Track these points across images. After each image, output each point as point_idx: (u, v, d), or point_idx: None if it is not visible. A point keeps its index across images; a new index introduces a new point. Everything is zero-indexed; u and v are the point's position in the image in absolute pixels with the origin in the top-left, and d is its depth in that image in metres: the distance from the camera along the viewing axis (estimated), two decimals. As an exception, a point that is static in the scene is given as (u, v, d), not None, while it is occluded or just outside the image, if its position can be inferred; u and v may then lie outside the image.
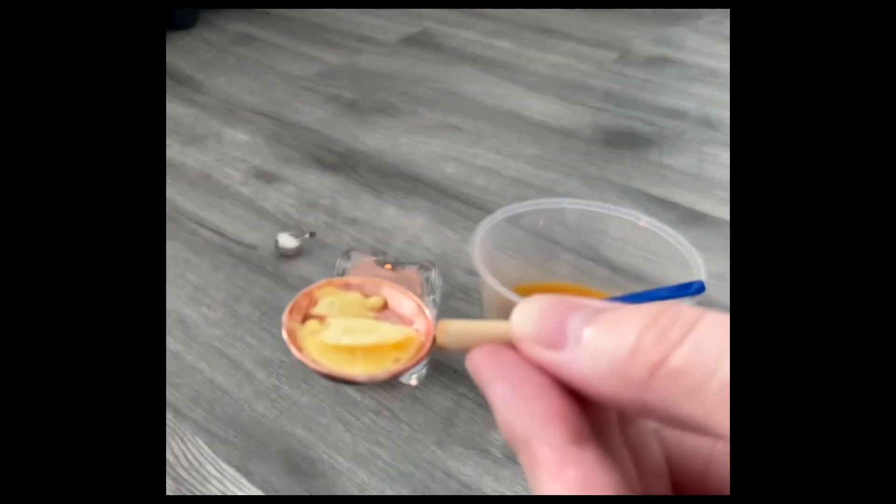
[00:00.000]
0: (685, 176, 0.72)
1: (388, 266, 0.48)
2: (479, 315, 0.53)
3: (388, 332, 0.17)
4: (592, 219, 0.53)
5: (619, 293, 0.52)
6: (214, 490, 0.41)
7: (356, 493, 0.41)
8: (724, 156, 0.76)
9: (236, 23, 1.11)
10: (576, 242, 0.54)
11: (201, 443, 0.43)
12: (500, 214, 0.51)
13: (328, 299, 0.18)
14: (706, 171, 0.73)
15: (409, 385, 0.47)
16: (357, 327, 0.17)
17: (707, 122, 0.83)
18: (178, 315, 0.53)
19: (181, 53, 0.99)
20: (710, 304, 0.54)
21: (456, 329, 0.16)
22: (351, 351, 0.16)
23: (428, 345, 0.17)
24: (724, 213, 0.66)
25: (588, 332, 0.14)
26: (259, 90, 0.89)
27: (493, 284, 0.44)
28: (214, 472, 0.41)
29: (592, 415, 0.15)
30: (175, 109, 0.84)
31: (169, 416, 0.45)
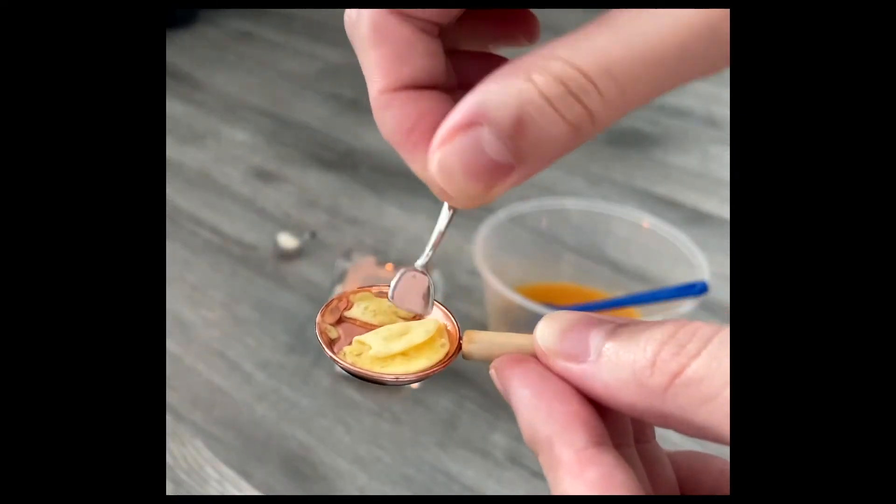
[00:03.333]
0: (689, 175, 0.72)
1: (389, 266, 0.48)
2: (482, 315, 0.53)
3: (420, 332, 0.18)
4: (596, 219, 0.52)
5: (621, 294, 0.52)
6: (214, 492, 0.40)
7: (357, 496, 0.40)
8: (728, 155, 0.76)
9: (236, 20, 1.10)
10: (579, 242, 0.53)
11: (201, 445, 0.43)
12: (502, 214, 0.50)
13: (362, 304, 0.19)
14: (710, 171, 0.73)
15: (411, 387, 0.47)
16: (393, 332, 0.18)
17: (711, 121, 0.83)
18: (176, 316, 0.52)
19: (180, 51, 0.98)
20: (714, 305, 0.54)
21: (481, 339, 0.17)
22: (405, 354, 0.17)
23: (454, 352, 0.17)
24: (728, 212, 0.66)
25: (609, 346, 0.14)
26: (259, 88, 0.89)
27: (495, 285, 0.43)
28: (214, 475, 0.41)
29: (610, 427, 0.15)
30: (173, 108, 0.83)
31: (168, 418, 0.44)
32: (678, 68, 0.14)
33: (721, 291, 0.55)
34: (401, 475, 0.41)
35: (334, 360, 0.17)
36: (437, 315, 0.18)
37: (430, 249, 0.18)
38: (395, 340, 0.17)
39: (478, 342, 0.17)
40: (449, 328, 0.18)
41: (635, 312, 0.50)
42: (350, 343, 0.18)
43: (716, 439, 0.13)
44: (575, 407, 0.15)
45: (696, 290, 0.44)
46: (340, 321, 0.19)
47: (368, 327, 0.18)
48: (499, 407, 0.45)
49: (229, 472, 0.41)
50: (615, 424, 0.16)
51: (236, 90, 0.88)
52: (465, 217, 0.64)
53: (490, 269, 0.45)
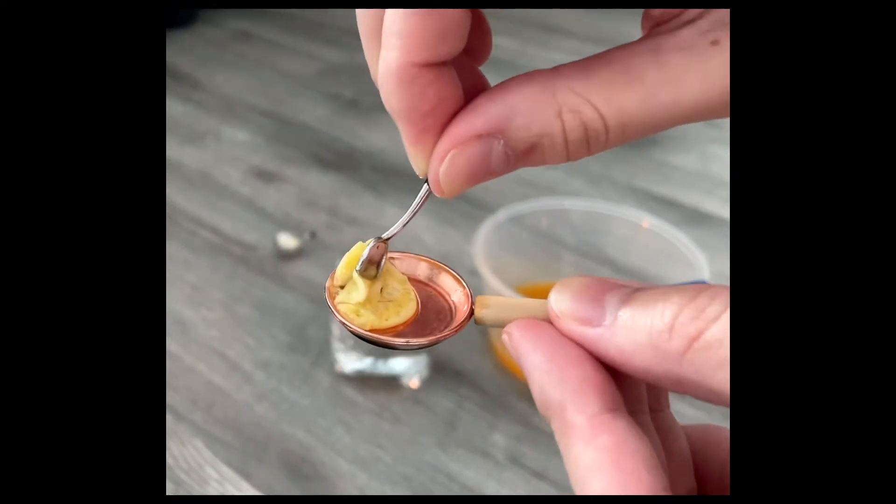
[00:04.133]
0: (689, 175, 0.72)
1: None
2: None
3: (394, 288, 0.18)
4: (596, 219, 0.52)
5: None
6: (214, 492, 0.40)
7: (357, 496, 0.40)
8: (728, 155, 0.76)
9: (236, 20, 1.10)
10: (579, 242, 0.53)
11: (201, 445, 0.43)
12: (502, 214, 0.50)
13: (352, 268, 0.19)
14: (710, 171, 0.73)
15: (410, 387, 0.47)
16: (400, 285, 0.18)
17: (711, 121, 0.83)
18: (176, 316, 0.52)
19: (180, 51, 0.98)
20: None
21: (494, 304, 0.16)
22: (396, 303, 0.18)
23: (467, 316, 0.17)
24: (728, 212, 0.66)
25: (625, 310, 0.14)
26: (258, 88, 0.89)
27: (495, 285, 0.43)
28: (214, 475, 0.41)
29: (624, 393, 0.15)
30: (173, 107, 0.83)
31: (168, 418, 0.44)
32: (683, 122, 0.14)
33: (721, 291, 0.55)
34: (400, 475, 0.41)
35: (344, 325, 0.17)
36: (448, 281, 0.18)
37: (401, 224, 0.18)
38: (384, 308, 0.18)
39: (490, 306, 0.16)
40: (460, 295, 0.18)
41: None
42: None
43: (728, 404, 0.13)
44: (589, 372, 0.14)
45: (696, 290, 0.44)
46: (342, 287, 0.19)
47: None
48: (499, 407, 0.46)
49: (229, 472, 0.41)
50: (630, 390, 0.16)
51: (236, 90, 0.88)
52: (466, 217, 0.64)
53: (490, 269, 0.45)
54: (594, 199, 0.65)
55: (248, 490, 0.40)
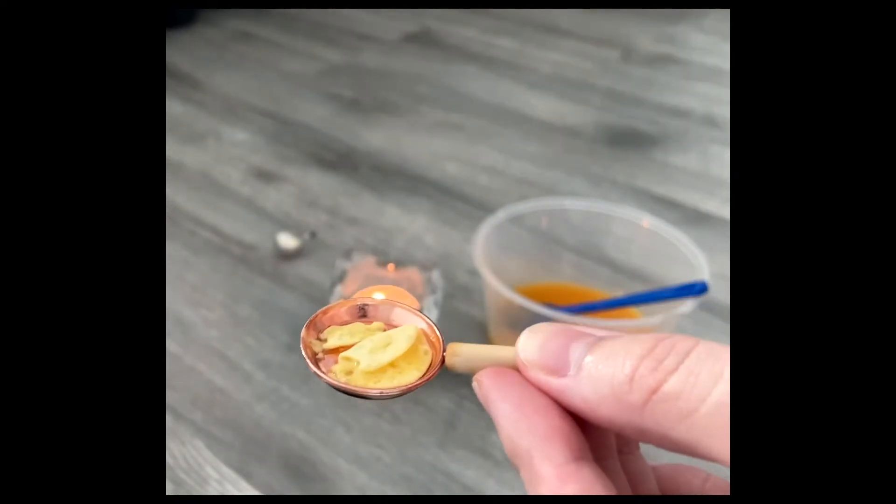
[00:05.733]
0: (689, 175, 0.72)
1: (391, 266, 0.48)
2: (482, 316, 0.53)
3: (402, 339, 0.18)
4: (596, 219, 0.52)
5: (621, 294, 0.52)
6: (214, 492, 0.40)
7: (357, 495, 0.40)
8: (728, 155, 0.76)
9: (236, 20, 1.10)
10: (579, 243, 0.53)
11: (201, 445, 0.43)
12: (502, 214, 0.50)
13: (335, 334, 0.18)
14: (710, 171, 0.73)
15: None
16: (379, 343, 0.18)
17: (711, 121, 0.83)
18: (176, 316, 0.52)
19: (180, 51, 0.98)
20: (714, 305, 0.54)
21: (465, 352, 0.17)
22: (394, 365, 0.17)
23: (438, 365, 0.17)
24: (728, 212, 0.66)
25: (589, 360, 0.14)
26: (259, 88, 0.89)
27: (495, 285, 0.43)
28: (214, 475, 0.41)
29: (592, 439, 0.15)
30: (173, 107, 0.83)
31: (168, 418, 0.44)
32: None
33: (721, 291, 0.55)
34: (400, 475, 0.41)
35: (319, 376, 0.17)
36: (419, 323, 0.18)
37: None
38: (381, 351, 0.17)
39: (461, 355, 0.17)
40: (431, 338, 0.18)
41: (635, 312, 0.50)
42: (337, 362, 0.18)
43: (695, 454, 0.13)
44: (555, 421, 0.15)
45: (695, 290, 0.44)
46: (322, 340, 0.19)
47: (350, 347, 0.18)
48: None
49: (229, 472, 0.41)
50: (597, 436, 0.16)
51: (236, 90, 0.88)
52: (466, 217, 0.64)
53: (490, 269, 0.45)
54: (594, 199, 0.65)
55: (248, 490, 0.40)
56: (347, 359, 0.18)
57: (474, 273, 0.57)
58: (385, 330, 0.18)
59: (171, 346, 0.50)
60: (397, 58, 0.98)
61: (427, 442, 0.43)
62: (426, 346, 0.18)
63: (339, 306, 0.19)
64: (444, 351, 0.17)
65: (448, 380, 0.47)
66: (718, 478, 0.17)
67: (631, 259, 0.52)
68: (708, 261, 0.47)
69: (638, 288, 0.51)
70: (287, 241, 0.58)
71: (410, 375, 0.17)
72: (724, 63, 0.99)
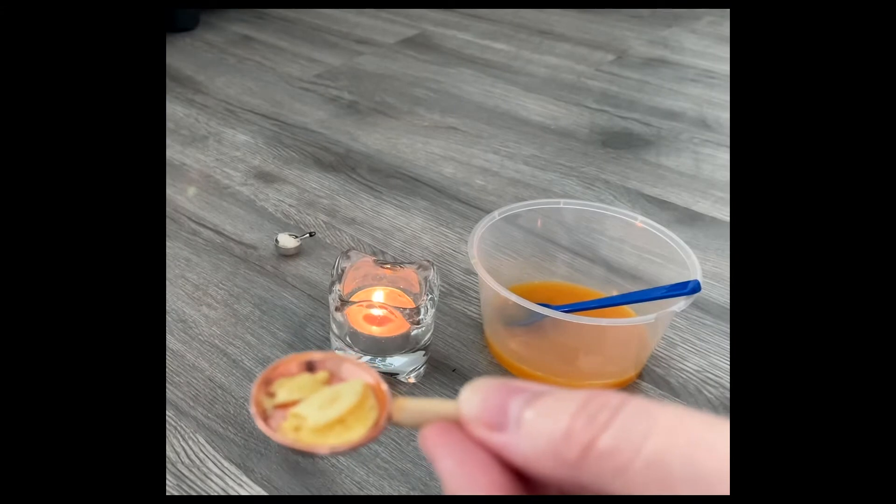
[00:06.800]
0: (682, 176, 0.73)
1: (388, 266, 0.49)
2: (478, 315, 0.54)
3: (349, 394, 0.18)
4: (590, 219, 0.53)
5: (615, 293, 0.53)
6: (215, 487, 0.41)
7: (355, 490, 0.41)
8: (721, 156, 0.77)
9: (236, 24, 1.11)
10: (573, 242, 0.54)
11: (202, 440, 0.44)
12: (497, 214, 0.51)
13: (283, 389, 0.19)
14: (703, 172, 0.74)
15: (408, 383, 0.48)
16: (327, 398, 0.18)
17: (704, 123, 0.84)
18: (178, 314, 0.53)
19: (182, 55, 0.99)
20: (706, 304, 0.55)
21: (410, 408, 0.17)
22: (341, 420, 0.18)
23: (385, 420, 0.18)
24: (720, 213, 0.67)
25: (527, 415, 0.15)
26: (259, 91, 0.90)
27: (490, 284, 0.44)
28: (215, 469, 0.42)
29: (532, 490, 0.16)
30: (175, 110, 0.84)
31: (170, 414, 0.45)
32: None
33: (713, 290, 0.56)
34: (398, 470, 0.42)
35: (271, 437, 0.17)
36: (365, 377, 0.19)
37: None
38: (329, 407, 0.18)
39: (407, 410, 0.17)
40: (378, 392, 0.18)
41: (629, 311, 0.51)
42: (286, 418, 0.18)
43: None
44: (495, 477, 0.15)
45: (688, 289, 0.45)
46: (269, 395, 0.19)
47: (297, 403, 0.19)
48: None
49: (230, 467, 0.42)
50: (540, 490, 0.16)
51: (237, 93, 0.89)
52: (461, 217, 0.65)
53: (485, 268, 0.46)
54: (588, 200, 0.66)
55: (248, 484, 0.41)
56: (296, 416, 0.18)
57: (470, 272, 0.58)
58: (330, 381, 0.19)
59: (174, 343, 0.51)
60: (395, 61, 0.99)
61: (424, 437, 0.44)
62: (373, 401, 0.18)
63: (288, 362, 0.19)
64: (390, 406, 0.18)
65: (446, 377, 0.48)
66: None
67: (624, 258, 0.53)
68: (700, 260, 0.48)
69: (631, 287, 0.52)
70: (287, 240, 0.59)
71: (357, 431, 0.17)
72: (717, 65, 1.00)
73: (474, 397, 0.16)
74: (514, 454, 0.15)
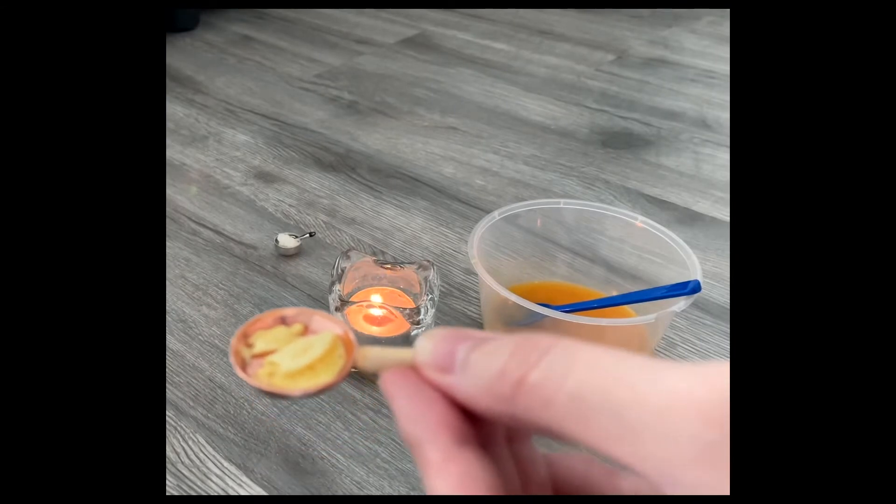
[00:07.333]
0: (682, 176, 0.73)
1: (388, 266, 0.49)
2: (478, 314, 0.54)
3: (319, 344, 0.20)
4: (590, 219, 0.53)
5: (615, 293, 0.53)
6: (215, 487, 0.41)
7: (355, 490, 0.41)
8: (721, 156, 0.77)
9: (236, 25, 1.11)
10: (573, 242, 0.54)
11: (202, 440, 0.44)
12: (497, 214, 0.51)
13: (261, 339, 0.20)
14: (703, 172, 0.74)
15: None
16: (299, 348, 0.20)
17: (703, 123, 0.84)
18: (178, 314, 0.53)
19: (182, 55, 0.99)
20: (706, 303, 0.55)
21: (372, 355, 0.19)
22: (311, 367, 0.19)
23: (349, 365, 0.19)
24: (720, 213, 0.67)
25: (471, 358, 0.17)
26: (259, 91, 0.90)
27: (490, 284, 0.44)
28: (215, 470, 0.42)
29: (481, 429, 0.18)
30: (175, 110, 0.84)
31: (170, 414, 0.45)
32: None
33: (713, 290, 0.56)
34: (398, 470, 0.42)
35: (247, 381, 0.19)
36: (335, 329, 0.20)
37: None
38: (301, 356, 0.19)
39: (369, 358, 0.19)
40: (346, 343, 0.20)
41: (629, 311, 0.51)
42: (262, 366, 0.20)
43: (559, 437, 0.15)
44: (442, 412, 0.17)
45: (688, 289, 0.45)
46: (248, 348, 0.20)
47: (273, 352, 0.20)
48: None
49: (230, 468, 0.42)
50: (486, 427, 0.18)
51: (237, 93, 0.89)
52: (461, 217, 0.65)
53: (485, 268, 0.46)
54: (588, 200, 0.66)
55: (248, 484, 0.41)
56: (271, 363, 0.20)
57: (470, 272, 0.58)
58: (304, 333, 0.21)
59: (174, 343, 0.51)
60: (395, 61, 0.99)
61: (424, 437, 0.44)
62: (341, 351, 0.20)
63: (265, 317, 0.21)
64: (355, 354, 0.19)
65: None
66: (599, 462, 0.19)
67: (624, 258, 0.53)
68: (700, 260, 0.48)
69: (631, 287, 0.52)
70: (287, 240, 0.59)
71: (326, 377, 0.19)
72: (717, 65, 1.00)
73: (427, 344, 0.18)
74: (459, 392, 0.17)
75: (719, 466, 0.12)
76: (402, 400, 0.17)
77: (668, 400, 0.13)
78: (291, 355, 0.19)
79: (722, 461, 0.12)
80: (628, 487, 0.19)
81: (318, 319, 0.21)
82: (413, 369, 0.18)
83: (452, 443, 0.16)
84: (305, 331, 0.21)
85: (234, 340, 0.20)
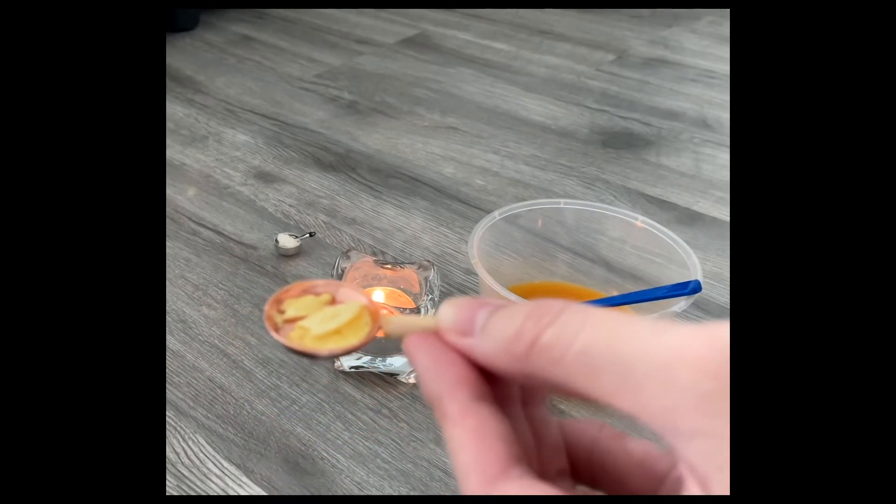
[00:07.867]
0: (682, 176, 0.73)
1: (388, 266, 0.49)
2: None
3: (347, 312, 0.22)
4: (590, 219, 0.53)
5: (615, 293, 0.53)
6: (215, 487, 0.41)
7: (355, 490, 0.41)
8: (721, 156, 0.77)
9: (236, 24, 1.11)
10: (573, 242, 0.54)
11: (202, 441, 0.44)
12: (498, 214, 0.51)
13: (292, 307, 0.22)
14: (703, 172, 0.74)
15: (408, 383, 0.48)
16: (328, 315, 0.21)
17: (704, 123, 0.84)
18: (178, 314, 0.53)
19: (182, 55, 0.99)
20: (707, 303, 0.55)
21: (396, 322, 0.20)
22: (339, 331, 0.21)
23: (375, 331, 0.21)
24: (720, 213, 0.67)
25: (490, 322, 0.18)
26: (259, 91, 0.90)
27: (490, 284, 0.44)
28: (215, 470, 0.42)
29: (498, 390, 0.19)
30: (175, 110, 0.84)
31: (170, 414, 0.45)
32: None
33: (713, 290, 0.56)
34: (398, 470, 0.42)
35: (277, 339, 0.21)
36: (362, 300, 0.22)
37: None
38: (330, 321, 0.21)
39: (393, 324, 0.20)
40: (372, 313, 0.22)
41: (629, 311, 0.51)
42: (293, 329, 0.21)
43: (569, 393, 0.16)
44: (462, 371, 0.18)
45: (689, 289, 0.45)
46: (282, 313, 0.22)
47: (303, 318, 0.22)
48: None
49: (230, 468, 0.42)
50: (503, 387, 0.19)
51: (237, 93, 0.89)
52: (462, 217, 0.65)
53: (486, 268, 0.46)
54: (588, 200, 0.66)
55: (248, 485, 0.41)
56: (301, 327, 0.21)
57: (470, 272, 0.58)
58: (332, 303, 0.22)
59: (173, 343, 0.51)
60: (395, 61, 0.99)
61: (424, 438, 0.44)
62: (367, 318, 0.21)
63: (295, 287, 0.22)
64: (381, 320, 0.21)
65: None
66: (609, 426, 0.21)
67: (625, 258, 0.53)
68: (700, 260, 0.48)
69: (632, 287, 0.52)
70: (287, 240, 0.59)
71: (353, 340, 0.21)
72: (717, 65, 1.00)
73: (449, 310, 0.19)
74: (478, 353, 0.18)
75: (716, 414, 0.13)
76: (424, 358, 0.19)
77: (670, 354, 0.14)
78: (320, 321, 0.21)
79: (719, 410, 0.13)
80: (636, 448, 0.20)
81: (345, 291, 0.22)
82: (434, 334, 0.19)
83: (470, 398, 0.17)
84: (333, 301, 0.22)
85: (267, 306, 0.21)
